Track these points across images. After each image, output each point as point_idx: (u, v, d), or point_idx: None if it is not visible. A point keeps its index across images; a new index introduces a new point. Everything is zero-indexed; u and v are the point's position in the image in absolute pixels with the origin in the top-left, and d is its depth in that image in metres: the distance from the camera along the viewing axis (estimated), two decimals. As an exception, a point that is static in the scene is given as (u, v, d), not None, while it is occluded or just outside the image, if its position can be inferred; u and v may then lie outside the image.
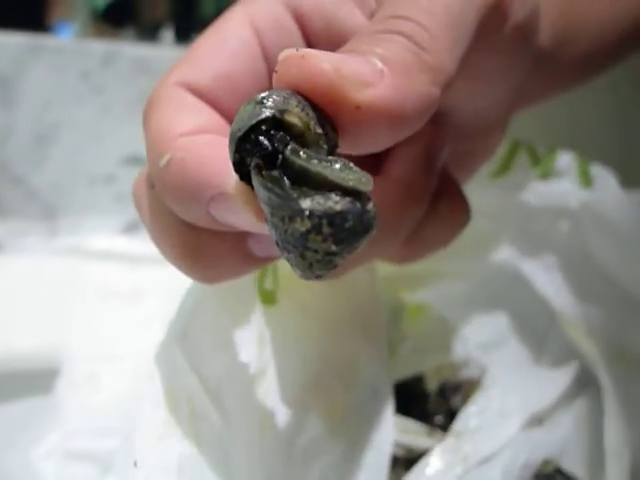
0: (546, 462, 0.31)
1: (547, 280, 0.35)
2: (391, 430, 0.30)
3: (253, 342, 0.29)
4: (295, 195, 0.16)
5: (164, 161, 0.21)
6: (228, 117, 0.23)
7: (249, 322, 0.29)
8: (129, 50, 0.58)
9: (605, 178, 0.34)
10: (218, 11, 0.24)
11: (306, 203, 0.16)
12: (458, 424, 0.31)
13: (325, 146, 0.18)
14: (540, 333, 0.37)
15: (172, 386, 0.27)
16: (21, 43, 0.55)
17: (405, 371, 0.36)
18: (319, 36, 0.24)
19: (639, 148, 0.51)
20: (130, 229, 0.57)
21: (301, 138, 0.18)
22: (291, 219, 0.16)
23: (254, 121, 0.17)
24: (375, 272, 0.33)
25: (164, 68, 0.24)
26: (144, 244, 0.35)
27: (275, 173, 0.17)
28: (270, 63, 0.24)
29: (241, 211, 0.19)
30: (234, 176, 0.19)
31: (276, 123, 0.18)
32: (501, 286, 0.37)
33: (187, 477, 0.26)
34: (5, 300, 0.46)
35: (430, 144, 0.26)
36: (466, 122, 0.27)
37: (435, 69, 0.19)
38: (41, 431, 0.35)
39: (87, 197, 0.58)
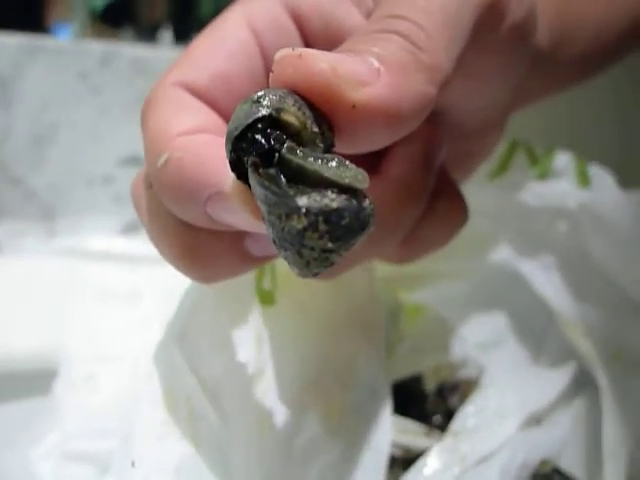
0: (544, 462, 0.31)
1: (545, 280, 0.35)
2: (389, 430, 0.30)
3: (251, 342, 0.29)
4: (292, 193, 0.16)
5: (162, 161, 0.21)
6: (226, 117, 0.23)
7: (247, 322, 0.29)
8: (127, 51, 0.58)
9: (603, 178, 0.34)
10: (217, 11, 0.24)
11: (302, 201, 0.16)
12: (456, 424, 0.31)
13: (321, 145, 0.18)
14: (538, 333, 0.37)
15: (170, 386, 0.27)
16: (19, 44, 0.55)
17: (403, 371, 0.36)
18: (317, 36, 0.24)
19: (638, 148, 0.51)
20: (129, 229, 0.57)
21: (297, 137, 0.18)
22: (288, 217, 0.16)
23: (250, 120, 0.17)
24: (373, 272, 0.33)
25: (163, 69, 0.24)
26: (143, 244, 0.35)
27: (272, 171, 0.17)
28: (268, 63, 0.24)
29: (238, 210, 0.19)
30: (231, 175, 0.19)
31: (272, 122, 0.18)
32: (499, 286, 0.37)
33: (185, 477, 0.26)
34: (3, 301, 0.46)
35: (428, 143, 0.26)
36: (464, 121, 0.27)
37: (432, 68, 0.19)
38: (39, 432, 0.35)
39: (85, 197, 0.58)
